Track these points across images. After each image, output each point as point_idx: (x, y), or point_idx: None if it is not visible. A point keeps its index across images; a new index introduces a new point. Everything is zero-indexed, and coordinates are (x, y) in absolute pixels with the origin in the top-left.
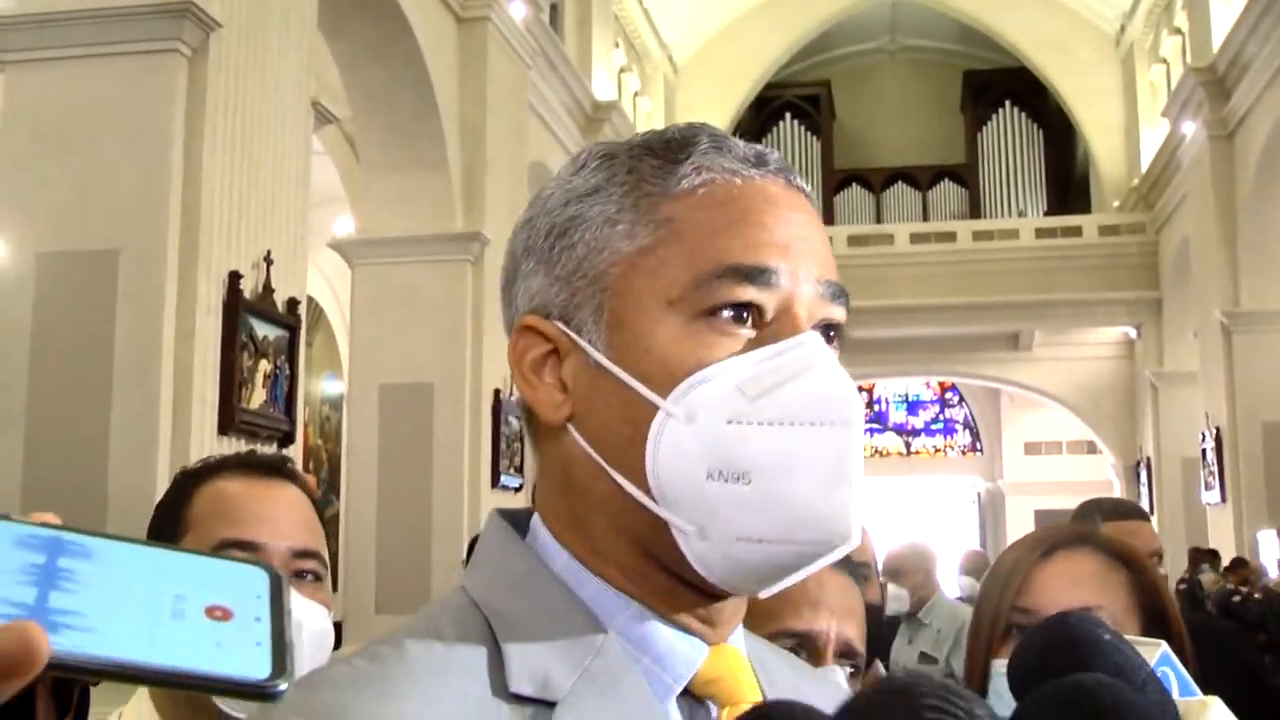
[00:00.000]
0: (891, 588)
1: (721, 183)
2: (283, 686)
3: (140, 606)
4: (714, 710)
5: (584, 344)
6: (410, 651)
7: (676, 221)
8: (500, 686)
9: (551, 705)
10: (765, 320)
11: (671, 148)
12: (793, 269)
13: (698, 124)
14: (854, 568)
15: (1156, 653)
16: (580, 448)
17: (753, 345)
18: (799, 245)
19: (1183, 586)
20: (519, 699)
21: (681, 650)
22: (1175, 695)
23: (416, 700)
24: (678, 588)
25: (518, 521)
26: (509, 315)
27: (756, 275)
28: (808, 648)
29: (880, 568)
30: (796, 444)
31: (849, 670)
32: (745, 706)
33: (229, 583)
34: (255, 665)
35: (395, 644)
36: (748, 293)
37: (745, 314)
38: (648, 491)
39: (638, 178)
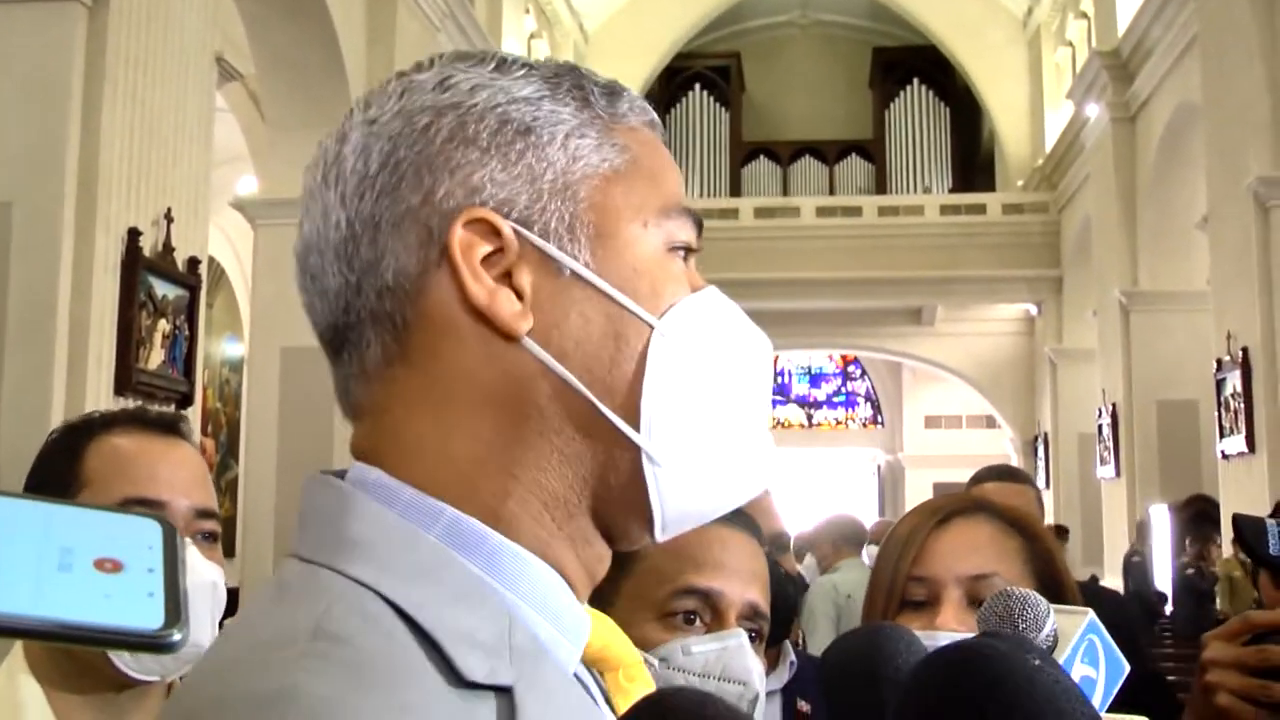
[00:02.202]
0: (807, 558)
1: (649, 127)
2: (176, 636)
3: (23, 560)
4: (596, 677)
5: (555, 251)
6: (364, 643)
7: (634, 152)
8: (454, 678)
9: (502, 690)
10: None
11: (602, 85)
12: None
13: (574, 66)
14: (761, 534)
15: (1083, 621)
16: (540, 364)
17: None
18: None
19: (1136, 559)
20: (475, 686)
21: (578, 616)
22: (1102, 663)
23: (412, 693)
24: (593, 533)
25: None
26: (380, 210)
27: (697, 222)
28: (710, 607)
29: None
30: (747, 388)
31: (752, 633)
32: (631, 672)
33: (119, 535)
34: (147, 616)
35: (337, 637)
36: (691, 235)
37: (685, 254)
38: (628, 418)
39: (585, 95)
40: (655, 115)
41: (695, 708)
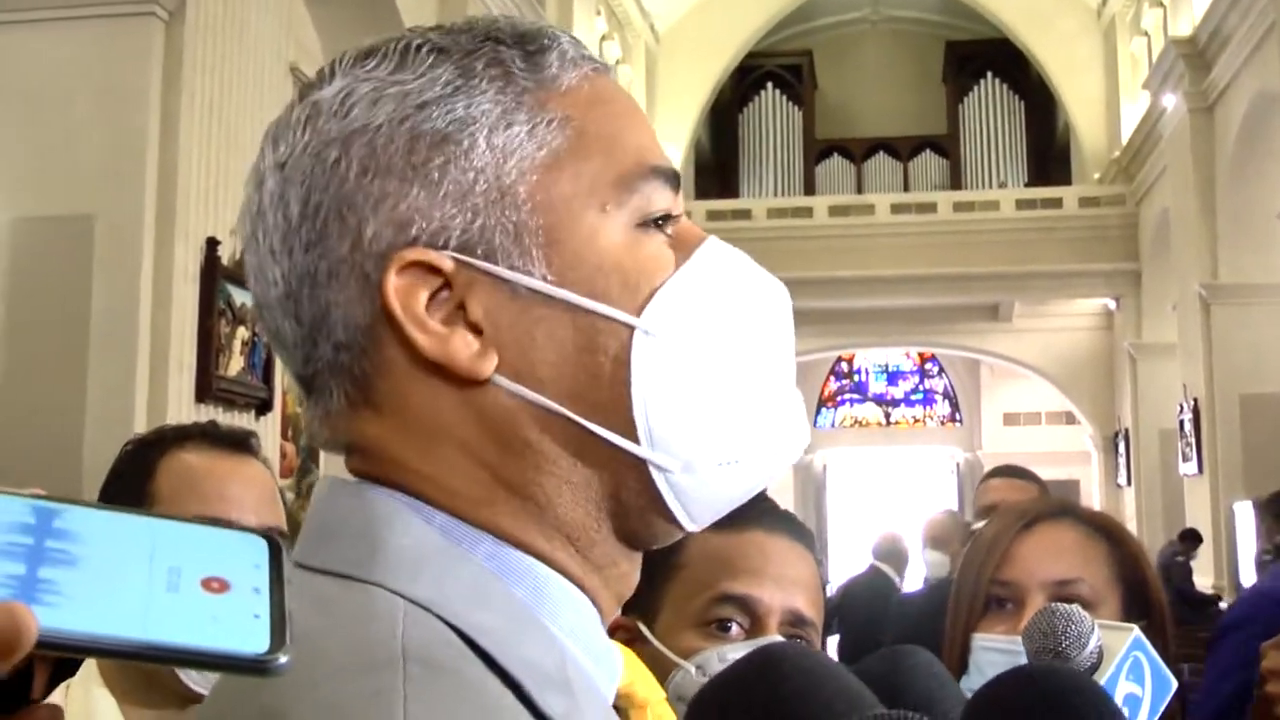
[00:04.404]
0: (931, 554)
1: (594, 77)
2: (283, 660)
3: (134, 579)
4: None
5: (506, 272)
6: (466, 672)
7: (575, 120)
8: (534, 713)
9: None
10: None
11: (524, 39)
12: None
13: (519, 20)
14: (808, 538)
15: (1129, 638)
16: (516, 399)
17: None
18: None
19: (1179, 559)
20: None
21: (612, 651)
22: (1148, 680)
23: None
24: (619, 552)
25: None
26: (312, 263)
27: (674, 180)
28: (749, 614)
29: (922, 535)
30: (763, 345)
31: (795, 640)
32: (658, 710)
33: (226, 552)
34: (254, 639)
35: (432, 663)
36: (672, 199)
37: (663, 221)
38: (625, 430)
39: (506, 71)
40: (595, 57)
41: (802, 658)
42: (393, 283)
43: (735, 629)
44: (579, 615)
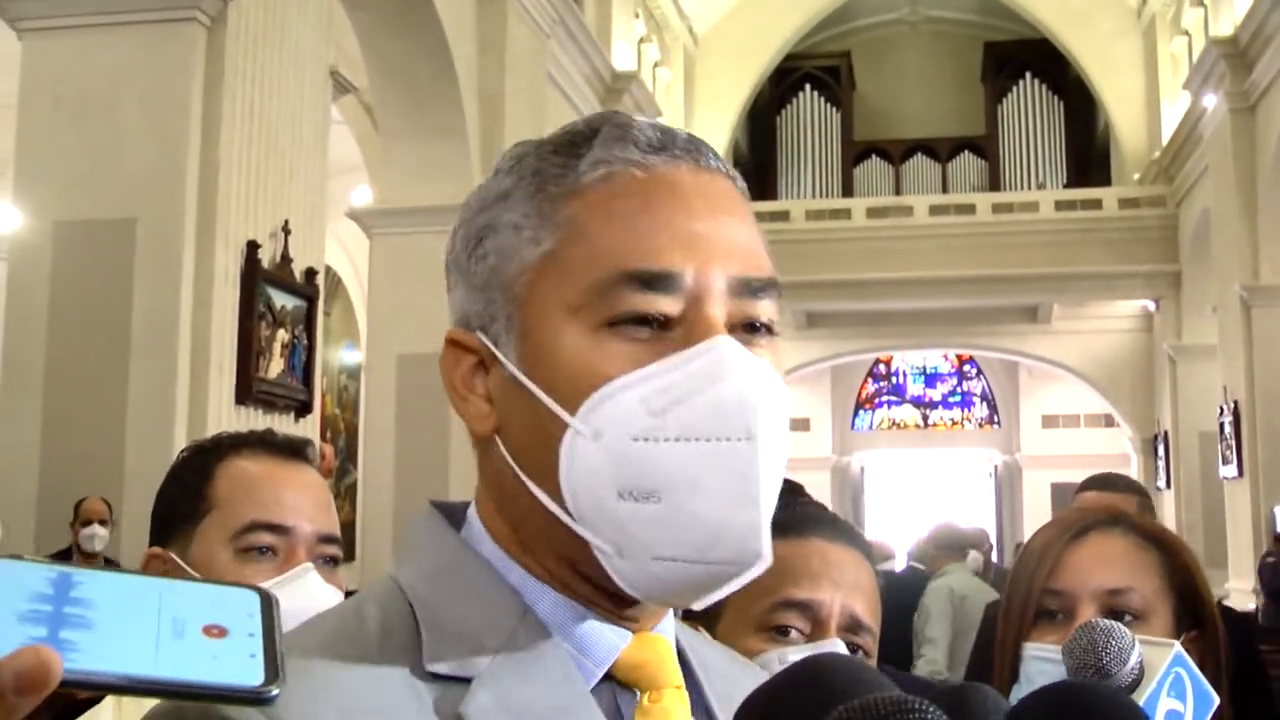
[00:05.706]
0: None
1: (622, 175)
2: (274, 691)
3: (143, 629)
4: (636, 695)
5: (500, 355)
6: (333, 631)
7: (578, 222)
8: (420, 666)
9: (468, 682)
10: (675, 319)
11: (574, 142)
12: (700, 267)
13: (607, 113)
14: (867, 547)
15: (1170, 654)
16: (505, 459)
17: (661, 349)
18: (707, 240)
19: (1270, 559)
20: (437, 677)
21: (604, 637)
22: (1189, 696)
23: (338, 677)
24: (601, 595)
25: (451, 513)
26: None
27: (657, 282)
28: (810, 618)
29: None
30: (703, 461)
31: (854, 647)
32: (656, 695)
33: (224, 604)
34: (250, 674)
35: (319, 622)
36: (649, 301)
37: (649, 321)
38: (565, 508)
39: (541, 179)
40: (638, 147)
41: (851, 670)
42: (442, 355)
43: (795, 633)
44: (556, 606)
